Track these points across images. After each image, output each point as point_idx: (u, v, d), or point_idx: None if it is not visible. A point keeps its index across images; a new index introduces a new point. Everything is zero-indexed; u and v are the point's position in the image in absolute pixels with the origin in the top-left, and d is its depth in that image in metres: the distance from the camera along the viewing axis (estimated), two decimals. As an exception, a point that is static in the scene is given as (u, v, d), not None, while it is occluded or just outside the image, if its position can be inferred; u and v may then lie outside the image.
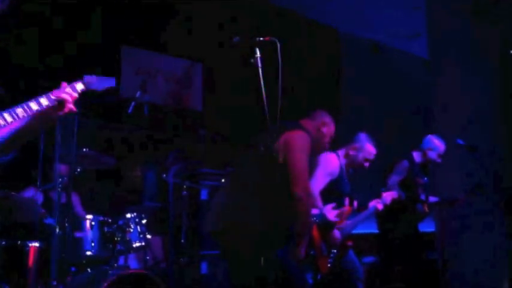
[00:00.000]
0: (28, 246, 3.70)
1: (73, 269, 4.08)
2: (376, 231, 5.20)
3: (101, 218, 4.21)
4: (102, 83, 2.51)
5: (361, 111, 8.38)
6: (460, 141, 5.31)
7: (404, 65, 9.33)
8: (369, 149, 4.45)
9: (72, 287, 3.83)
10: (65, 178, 4.19)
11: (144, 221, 4.45)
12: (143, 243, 4.40)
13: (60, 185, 3.91)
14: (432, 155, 5.14)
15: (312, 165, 3.45)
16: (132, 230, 4.32)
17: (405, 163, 5.03)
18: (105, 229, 4.19)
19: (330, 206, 4.17)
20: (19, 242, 3.72)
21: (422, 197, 5.05)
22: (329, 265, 4.17)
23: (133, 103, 4.64)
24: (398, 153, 5.19)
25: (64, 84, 2.37)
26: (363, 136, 4.50)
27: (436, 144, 5.16)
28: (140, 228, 4.39)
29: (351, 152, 4.47)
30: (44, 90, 2.34)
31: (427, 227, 5.95)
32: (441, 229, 5.85)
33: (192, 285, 5.50)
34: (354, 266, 4.37)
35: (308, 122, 3.56)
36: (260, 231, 3.02)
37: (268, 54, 2.89)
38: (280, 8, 7.71)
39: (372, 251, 6.02)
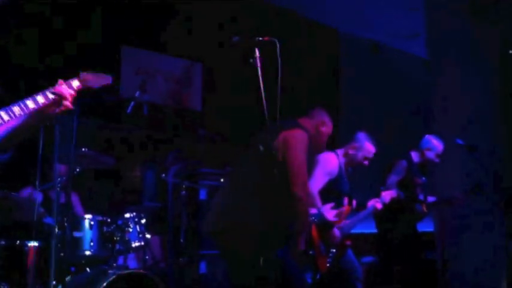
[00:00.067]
0: (27, 246, 3.71)
1: (72, 268, 4.09)
2: (375, 231, 5.20)
3: (100, 218, 4.20)
4: (98, 80, 2.50)
5: (361, 111, 8.38)
6: (460, 141, 5.31)
7: (404, 65, 9.33)
8: (368, 147, 4.46)
9: (71, 287, 3.83)
10: (64, 178, 4.19)
11: (143, 221, 4.45)
12: (142, 243, 4.40)
13: (59, 185, 3.91)
14: (430, 155, 5.15)
15: (310, 164, 3.43)
16: (131, 230, 4.31)
17: (403, 163, 5.04)
18: (104, 229, 4.18)
19: (328, 206, 4.18)
20: (18, 241, 3.73)
21: (421, 196, 5.06)
22: (328, 265, 4.17)
23: (132, 103, 4.64)
24: (398, 153, 5.19)
25: (60, 81, 2.37)
26: (361, 135, 4.51)
27: (434, 144, 5.17)
28: (139, 228, 4.39)
29: (351, 151, 4.47)
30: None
31: (426, 226, 5.95)
32: (441, 229, 5.86)
33: (192, 285, 5.51)
34: (353, 265, 4.37)
35: (306, 121, 3.55)
36: (260, 231, 3.02)
37: (267, 54, 2.89)
38: (280, 8, 7.71)
39: (371, 251, 6.02)
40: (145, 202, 6.16)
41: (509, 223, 6.20)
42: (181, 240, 5.20)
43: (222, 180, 5.50)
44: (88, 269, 4.03)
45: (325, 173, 4.32)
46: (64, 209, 3.85)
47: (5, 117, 2.22)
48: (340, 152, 4.50)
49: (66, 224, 3.77)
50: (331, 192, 4.28)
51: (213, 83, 7.21)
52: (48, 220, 3.92)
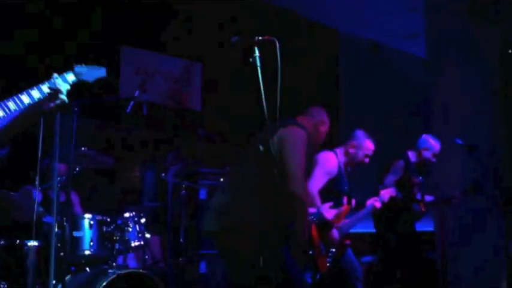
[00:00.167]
0: (27, 245, 3.71)
1: (72, 268, 4.09)
2: (374, 230, 5.20)
3: (100, 217, 4.20)
4: (92, 73, 2.49)
5: (361, 111, 8.37)
6: (460, 141, 5.32)
7: (404, 65, 9.32)
8: (368, 145, 4.47)
9: (71, 286, 3.83)
10: (64, 177, 4.19)
11: (142, 221, 4.44)
12: (142, 243, 4.39)
13: (58, 184, 3.90)
14: (427, 154, 5.16)
15: (309, 163, 3.42)
16: (130, 230, 4.31)
17: (401, 163, 5.05)
18: (104, 228, 4.18)
19: (327, 205, 4.17)
20: (18, 241, 3.73)
21: (418, 196, 5.07)
22: (328, 264, 4.17)
23: (132, 103, 4.63)
24: (398, 153, 5.20)
25: (55, 75, 2.36)
26: (360, 133, 4.51)
27: (431, 143, 5.18)
28: (139, 228, 4.38)
29: (351, 150, 4.48)
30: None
31: (425, 226, 5.95)
32: (441, 229, 5.85)
33: (191, 285, 5.51)
34: (352, 265, 4.37)
35: (305, 119, 3.53)
36: (259, 231, 3.02)
37: (267, 54, 2.89)
38: (280, 8, 7.71)
39: (370, 251, 6.02)
40: (145, 202, 6.15)
41: (509, 223, 6.19)
42: (181, 240, 5.20)
43: (221, 179, 5.50)
44: (88, 269, 4.03)
45: (325, 172, 4.32)
46: (64, 208, 3.84)
47: (0, 113, 2.21)
48: (339, 151, 4.50)
49: (65, 223, 3.77)
50: (331, 191, 4.29)
51: (213, 83, 7.20)
52: (47, 219, 3.92)
